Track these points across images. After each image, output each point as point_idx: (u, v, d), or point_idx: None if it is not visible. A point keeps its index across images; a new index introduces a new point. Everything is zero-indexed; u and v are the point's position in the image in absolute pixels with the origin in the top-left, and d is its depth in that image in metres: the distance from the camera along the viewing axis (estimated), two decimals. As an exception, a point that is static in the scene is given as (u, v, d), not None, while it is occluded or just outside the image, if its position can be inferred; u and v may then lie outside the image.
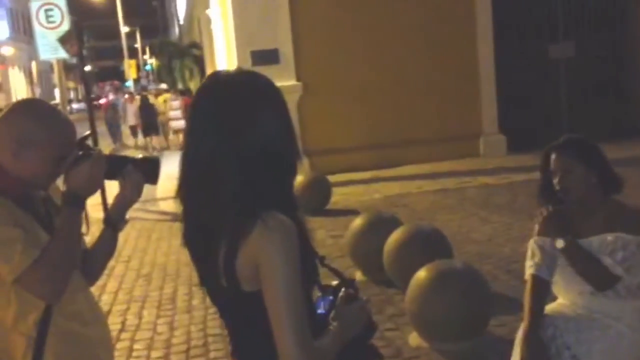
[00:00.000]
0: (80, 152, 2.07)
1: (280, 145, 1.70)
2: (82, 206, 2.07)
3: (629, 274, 2.60)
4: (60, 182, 2.19)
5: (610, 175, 2.76)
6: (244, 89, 1.72)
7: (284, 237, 1.61)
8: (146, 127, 21.24)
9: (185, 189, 1.75)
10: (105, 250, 2.30)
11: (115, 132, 23.92)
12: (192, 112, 1.75)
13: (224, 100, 1.69)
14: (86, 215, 2.20)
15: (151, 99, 23.55)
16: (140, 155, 2.27)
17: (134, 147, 22.40)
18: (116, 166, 2.12)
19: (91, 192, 2.07)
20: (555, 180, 2.74)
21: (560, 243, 2.60)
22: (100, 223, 2.35)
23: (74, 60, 14.35)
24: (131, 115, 22.17)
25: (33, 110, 2.12)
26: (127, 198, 2.18)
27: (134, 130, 22.57)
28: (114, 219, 2.25)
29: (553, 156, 2.76)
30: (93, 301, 2.34)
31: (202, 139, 1.68)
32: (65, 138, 2.09)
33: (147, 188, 2.22)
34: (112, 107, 24.96)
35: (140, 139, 22.40)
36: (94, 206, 8.28)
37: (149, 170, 2.17)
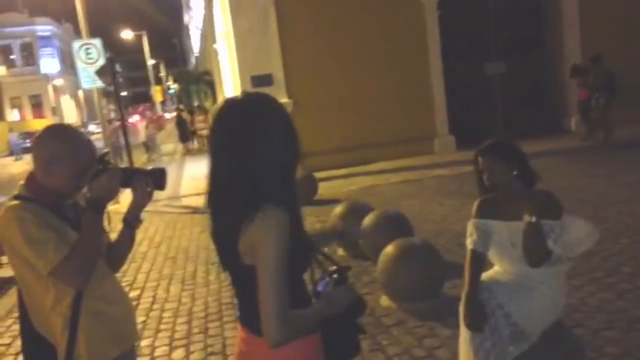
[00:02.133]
0: (100, 167, 2.01)
1: (283, 155, 1.68)
2: (102, 211, 2.01)
3: (559, 250, 2.55)
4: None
5: (527, 168, 2.71)
6: (249, 114, 1.68)
7: (277, 225, 1.60)
8: (181, 135, 21.45)
9: (211, 196, 1.74)
10: (125, 244, 2.24)
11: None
12: (211, 136, 1.73)
13: (234, 126, 1.67)
14: (108, 216, 2.13)
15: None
16: (149, 167, 2.21)
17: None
18: (128, 177, 2.07)
19: (110, 199, 2.01)
20: (484, 177, 2.70)
21: (528, 218, 2.52)
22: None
23: (111, 88, 14.25)
24: (141, 133, 21.71)
25: (59, 134, 2.06)
26: (138, 202, 2.13)
27: (145, 146, 21.44)
28: (130, 220, 2.19)
29: (480, 159, 2.72)
30: (117, 285, 2.28)
31: (220, 159, 1.70)
32: (85, 156, 2.04)
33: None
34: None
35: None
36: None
37: (157, 178, 2.11)
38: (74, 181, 2.02)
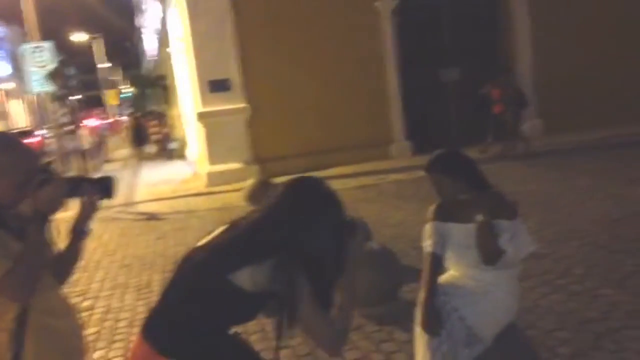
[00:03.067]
0: (44, 177, 1.91)
1: (323, 253, 1.89)
2: (47, 222, 1.92)
3: (511, 250, 2.60)
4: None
5: (476, 177, 2.75)
6: (318, 204, 1.94)
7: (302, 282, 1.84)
8: (138, 140, 21.04)
9: (249, 227, 1.91)
10: (73, 256, 2.16)
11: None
12: (275, 202, 1.94)
13: (297, 205, 1.91)
14: (54, 226, 2.05)
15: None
16: (97, 175, 2.14)
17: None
18: (75, 186, 1.99)
19: (55, 210, 1.92)
20: (435, 190, 2.77)
21: (479, 218, 2.56)
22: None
23: (63, 92, 13.89)
24: (83, 140, 21.29)
25: None
26: (85, 212, 2.06)
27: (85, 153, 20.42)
28: (77, 230, 2.12)
29: (427, 174, 2.77)
30: (64, 298, 2.19)
31: (276, 215, 1.90)
32: (27, 166, 1.93)
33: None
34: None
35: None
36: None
37: (105, 187, 2.05)
38: (16, 192, 1.91)
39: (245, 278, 1.80)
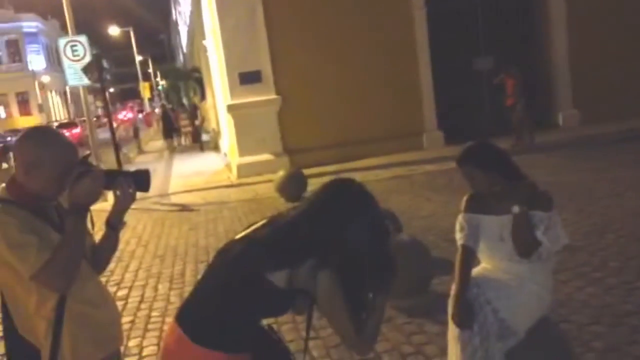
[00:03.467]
0: (82, 169, 1.96)
1: (359, 253, 1.89)
2: (85, 214, 1.98)
3: (547, 242, 2.56)
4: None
5: (508, 169, 2.70)
6: (353, 207, 1.93)
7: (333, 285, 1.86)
8: (166, 131, 21.29)
9: (291, 226, 1.94)
10: (109, 247, 2.21)
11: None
12: (311, 202, 1.99)
13: (332, 205, 1.95)
14: (91, 217, 2.07)
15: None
16: (133, 169, 2.17)
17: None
18: (111, 179, 2.03)
19: (92, 202, 1.97)
20: (468, 184, 2.73)
21: (515, 209, 2.53)
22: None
23: (98, 85, 14.09)
24: (119, 131, 21.76)
25: (38, 137, 2.02)
26: (121, 205, 2.09)
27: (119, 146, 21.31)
28: (113, 222, 2.16)
29: (459, 168, 2.73)
30: (102, 287, 2.25)
31: (318, 217, 1.92)
32: (66, 159, 1.99)
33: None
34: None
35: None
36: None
37: (140, 180, 2.07)
38: (56, 184, 1.98)
39: (283, 277, 1.83)
